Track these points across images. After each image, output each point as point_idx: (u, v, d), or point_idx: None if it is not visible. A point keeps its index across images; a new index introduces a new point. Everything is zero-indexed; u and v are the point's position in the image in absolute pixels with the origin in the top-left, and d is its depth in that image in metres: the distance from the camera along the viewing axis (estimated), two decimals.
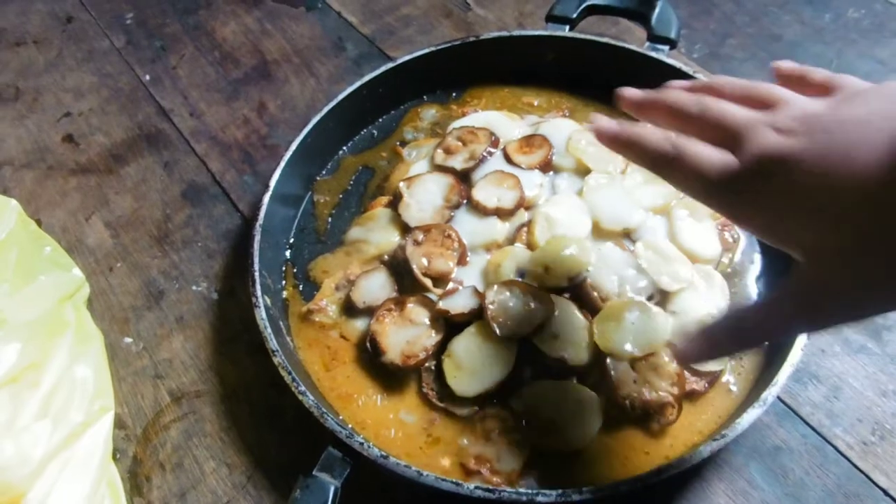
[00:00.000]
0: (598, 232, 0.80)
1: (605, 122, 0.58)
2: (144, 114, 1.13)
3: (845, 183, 0.43)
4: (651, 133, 0.54)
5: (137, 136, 1.10)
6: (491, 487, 0.62)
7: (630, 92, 0.61)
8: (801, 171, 0.45)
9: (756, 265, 0.80)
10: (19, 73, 1.21)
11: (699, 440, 0.69)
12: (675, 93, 0.57)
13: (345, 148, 0.99)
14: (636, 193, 0.81)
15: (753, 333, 0.54)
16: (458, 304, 0.75)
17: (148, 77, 1.18)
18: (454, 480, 0.62)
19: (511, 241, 0.81)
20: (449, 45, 0.99)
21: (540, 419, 0.69)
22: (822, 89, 0.51)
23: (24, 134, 1.11)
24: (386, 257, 0.83)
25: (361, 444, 0.65)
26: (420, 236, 0.80)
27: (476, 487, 0.62)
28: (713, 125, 0.52)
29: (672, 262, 0.76)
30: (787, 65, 0.57)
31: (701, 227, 0.80)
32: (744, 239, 0.82)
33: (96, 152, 1.08)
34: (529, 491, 0.62)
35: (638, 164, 0.56)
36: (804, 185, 0.45)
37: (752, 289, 0.79)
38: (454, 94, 1.04)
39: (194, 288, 0.90)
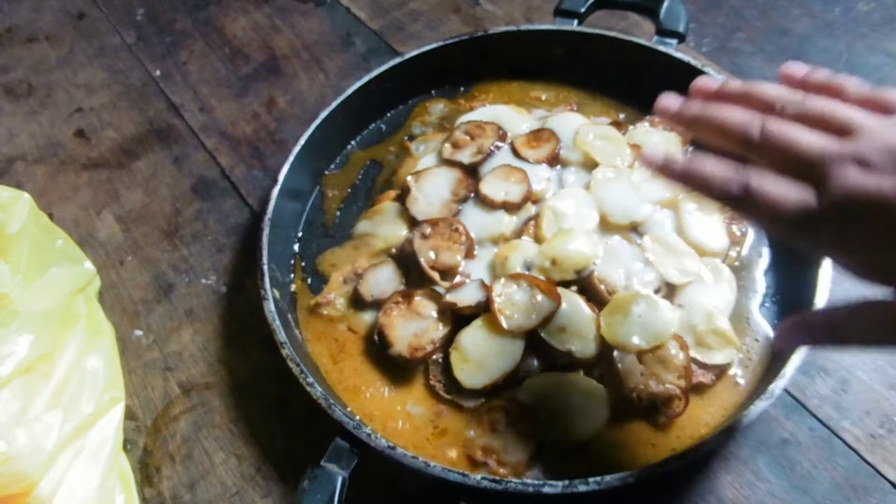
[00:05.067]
0: (606, 225, 0.80)
1: (658, 154, 0.53)
2: (155, 109, 1.13)
3: None
4: (714, 167, 0.49)
5: (148, 131, 1.10)
6: (497, 478, 0.62)
7: (671, 102, 0.56)
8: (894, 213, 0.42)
9: (764, 258, 0.80)
10: (32, 69, 1.22)
11: (706, 432, 0.69)
12: (726, 110, 0.51)
13: (353, 142, 1.00)
14: (643, 187, 0.81)
15: (842, 333, 0.49)
16: (466, 296, 0.75)
17: (158, 73, 1.19)
18: (461, 471, 0.63)
19: (518, 234, 0.81)
20: (457, 39, 0.99)
21: (547, 411, 0.70)
22: (867, 104, 0.47)
23: (37, 129, 1.12)
24: (394, 251, 0.84)
25: (369, 435, 0.65)
26: (428, 230, 0.81)
27: (483, 478, 0.62)
28: (781, 155, 0.47)
29: (679, 255, 0.76)
30: (801, 69, 0.51)
31: (709, 220, 0.80)
32: (752, 232, 0.82)
33: (107, 147, 1.09)
34: (536, 482, 0.62)
35: (702, 195, 0.51)
36: None
37: (760, 282, 0.79)
38: (462, 89, 1.04)
39: (204, 281, 0.91)
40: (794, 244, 0.49)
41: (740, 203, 0.48)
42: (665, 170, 0.52)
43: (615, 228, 0.79)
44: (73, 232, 0.96)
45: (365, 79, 0.96)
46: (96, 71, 1.20)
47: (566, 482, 0.61)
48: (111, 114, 1.13)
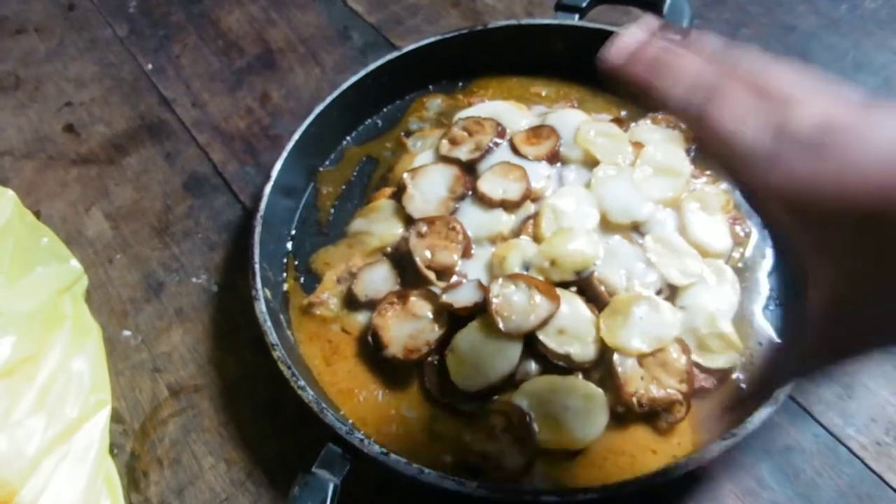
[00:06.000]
0: (606, 225, 0.78)
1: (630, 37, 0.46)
2: (146, 104, 1.11)
3: None
4: (690, 59, 0.43)
5: (139, 126, 1.08)
6: (494, 486, 0.61)
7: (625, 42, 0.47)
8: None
9: (768, 260, 0.79)
10: (20, 61, 1.20)
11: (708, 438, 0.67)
12: (684, 58, 0.44)
13: (348, 138, 0.98)
14: (645, 186, 0.79)
15: (779, 374, 0.49)
16: (462, 297, 0.73)
17: (151, 66, 1.17)
18: (456, 479, 0.61)
19: (517, 233, 0.79)
20: (456, 33, 0.97)
21: (544, 416, 0.68)
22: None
23: (25, 123, 1.10)
24: (389, 249, 0.82)
25: (362, 440, 0.63)
26: (424, 228, 0.79)
27: (479, 486, 0.60)
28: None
29: (682, 256, 0.74)
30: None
31: (712, 220, 0.78)
32: (755, 233, 0.80)
33: (97, 142, 1.07)
34: (533, 490, 0.60)
35: (664, 100, 0.44)
36: None
37: (764, 284, 0.77)
38: (461, 84, 1.02)
39: (194, 280, 0.89)
40: (750, 175, 0.40)
41: (711, 103, 0.41)
42: (633, 59, 0.45)
43: (616, 228, 0.77)
44: (60, 229, 0.94)
45: (361, 73, 0.94)
46: (87, 64, 1.18)
47: (564, 491, 0.60)
48: (101, 108, 1.11)
